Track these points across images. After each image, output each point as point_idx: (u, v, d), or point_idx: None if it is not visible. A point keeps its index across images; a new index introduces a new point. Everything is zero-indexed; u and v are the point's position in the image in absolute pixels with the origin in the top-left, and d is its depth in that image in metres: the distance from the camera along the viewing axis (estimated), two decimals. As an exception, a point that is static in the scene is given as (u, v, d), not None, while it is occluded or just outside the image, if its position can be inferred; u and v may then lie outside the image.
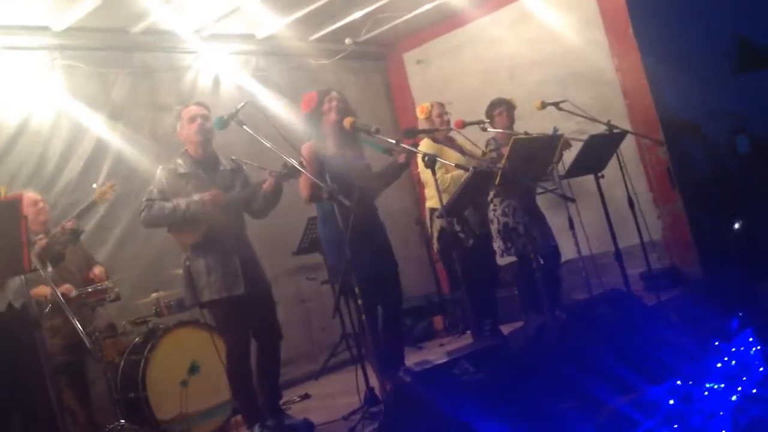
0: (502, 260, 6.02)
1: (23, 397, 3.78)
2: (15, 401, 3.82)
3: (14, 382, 3.78)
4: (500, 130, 5.87)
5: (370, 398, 4.48)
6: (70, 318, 3.81)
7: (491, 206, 5.80)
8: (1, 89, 5.79)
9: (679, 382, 3.94)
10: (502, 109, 6.08)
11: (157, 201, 4.43)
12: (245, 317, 4.49)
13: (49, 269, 4.05)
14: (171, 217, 4.41)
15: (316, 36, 7.78)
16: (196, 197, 4.40)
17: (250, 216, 4.71)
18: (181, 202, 4.39)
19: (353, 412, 4.60)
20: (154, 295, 5.46)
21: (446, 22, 8.33)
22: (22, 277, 3.60)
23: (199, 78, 7.12)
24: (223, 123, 4.29)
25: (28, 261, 3.40)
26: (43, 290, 4.57)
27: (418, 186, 8.07)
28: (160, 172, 4.54)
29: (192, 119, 4.53)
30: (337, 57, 8.14)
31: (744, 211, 7.48)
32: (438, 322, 7.93)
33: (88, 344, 3.53)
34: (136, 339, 5.39)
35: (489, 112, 6.13)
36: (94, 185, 4.64)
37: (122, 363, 5.24)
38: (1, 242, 3.31)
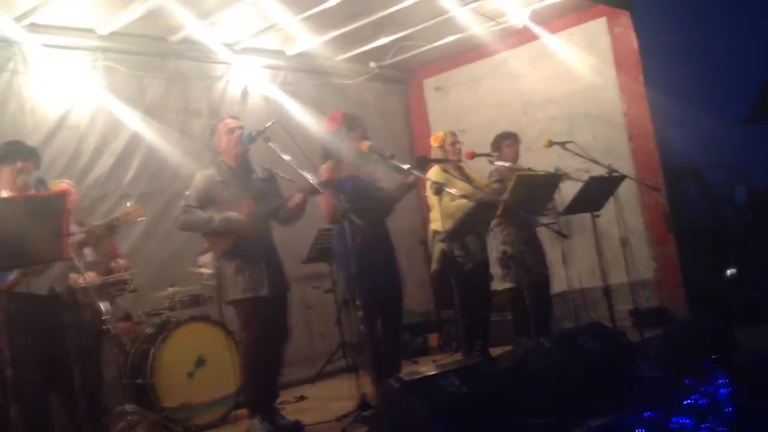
0: (499, 286, 6.33)
1: (62, 374, 4.12)
2: (54, 378, 4.16)
3: (53, 361, 4.11)
4: (505, 163, 6.16)
5: (363, 403, 4.79)
6: (97, 304, 4.16)
7: (492, 234, 6.13)
8: (46, 85, 6.21)
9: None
10: (510, 141, 6.38)
11: (195, 209, 4.79)
12: (265, 317, 4.83)
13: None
14: (204, 227, 4.82)
15: (342, 57, 8.18)
16: (231, 215, 4.73)
17: (278, 223, 5.06)
18: (216, 217, 4.75)
19: (346, 415, 4.92)
20: (170, 289, 5.81)
21: (467, 53, 8.70)
22: (59, 264, 3.98)
23: (229, 88, 7.53)
24: (252, 138, 4.67)
25: (67, 250, 3.77)
26: (74, 277, 4.94)
27: (425, 208, 8.41)
28: (198, 178, 4.90)
29: (231, 131, 4.89)
30: (361, 78, 8.54)
31: (735, 259, 7.80)
32: (433, 339, 8.24)
33: (112, 329, 3.88)
34: (149, 329, 5.74)
35: (497, 143, 6.39)
36: (129, 204, 5.02)
37: (134, 350, 5.60)
38: (45, 231, 3.66)
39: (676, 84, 8.37)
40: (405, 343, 7.57)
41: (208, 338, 5.63)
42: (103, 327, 5.01)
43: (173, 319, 5.75)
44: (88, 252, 4.99)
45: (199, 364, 5.57)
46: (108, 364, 5.71)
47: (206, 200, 4.82)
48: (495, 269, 6.15)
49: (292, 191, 4.81)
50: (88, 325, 5.46)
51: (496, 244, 6.12)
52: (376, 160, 4.97)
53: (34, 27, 6.07)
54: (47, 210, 3.73)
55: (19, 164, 4.31)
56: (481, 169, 6.49)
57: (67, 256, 3.80)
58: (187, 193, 4.88)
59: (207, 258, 6.09)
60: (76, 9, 6.06)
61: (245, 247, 4.80)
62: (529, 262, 5.92)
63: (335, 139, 5.10)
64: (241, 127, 4.93)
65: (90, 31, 6.46)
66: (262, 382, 4.84)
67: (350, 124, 5.09)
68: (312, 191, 4.66)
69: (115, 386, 5.56)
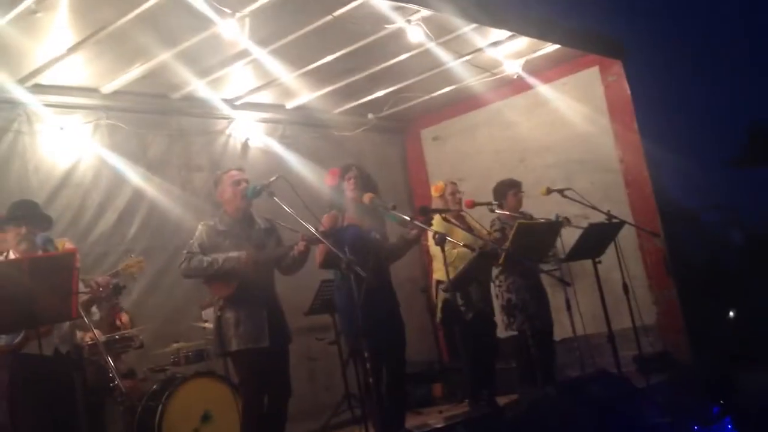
0: (504, 334, 6.34)
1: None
2: None
3: (59, 421, 4.11)
4: (506, 212, 6.22)
5: (371, 456, 4.74)
6: (106, 361, 4.17)
7: (497, 282, 6.15)
8: (50, 144, 6.31)
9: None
10: (516, 190, 6.42)
11: (197, 254, 4.83)
12: (266, 369, 4.79)
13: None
14: (208, 271, 4.81)
15: (340, 109, 8.32)
16: (233, 254, 4.77)
17: (280, 272, 5.08)
18: (219, 258, 4.78)
19: (353, 469, 4.88)
20: (174, 345, 5.81)
21: (463, 103, 8.82)
22: (67, 324, 4.01)
23: (230, 142, 7.64)
24: (256, 193, 4.72)
25: (76, 309, 3.79)
26: (80, 335, 4.93)
27: (425, 256, 8.44)
28: (201, 228, 4.94)
29: (237, 183, 4.94)
30: (359, 129, 8.65)
31: (735, 301, 7.84)
32: (437, 389, 8.17)
33: (122, 387, 3.89)
34: (154, 386, 5.71)
35: (502, 192, 6.41)
36: (132, 256, 5.02)
37: (140, 408, 5.55)
38: (55, 290, 3.70)
39: (669, 130, 8.51)
40: (408, 393, 7.51)
41: (213, 393, 5.61)
42: (111, 384, 5.03)
43: (178, 375, 5.73)
44: (95, 310, 5.00)
45: (204, 420, 5.54)
46: (114, 422, 5.69)
47: (209, 249, 4.85)
48: (500, 317, 6.17)
49: (296, 239, 4.85)
50: (93, 383, 5.47)
51: (500, 293, 6.15)
52: (380, 212, 5.03)
53: (37, 88, 6.18)
54: (56, 269, 3.78)
55: (23, 230, 4.29)
56: (480, 218, 6.54)
57: (76, 315, 3.81)
58: (191, 242, 4.92)
59: (211, 312, 6.10)
60: (79, 69, 6.18)
61: (248, 293, 4.80)
62: (533, 311, 5.94)
63: (337, 192, 5.18)
64: (246, 180, 4.98)
65: (93, 90, 6.58)
66: None
67: (350, 176, 5.17)
68: (315, 240, 4.70)
69: (121, 445, 5.54)
